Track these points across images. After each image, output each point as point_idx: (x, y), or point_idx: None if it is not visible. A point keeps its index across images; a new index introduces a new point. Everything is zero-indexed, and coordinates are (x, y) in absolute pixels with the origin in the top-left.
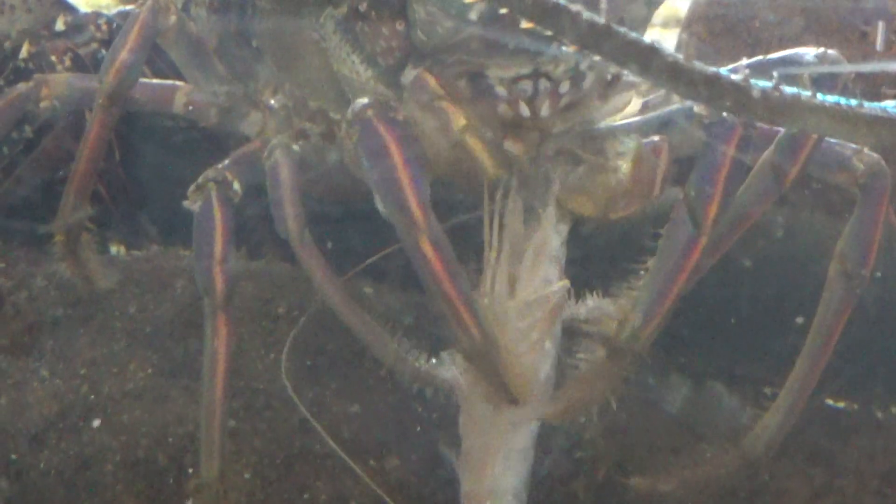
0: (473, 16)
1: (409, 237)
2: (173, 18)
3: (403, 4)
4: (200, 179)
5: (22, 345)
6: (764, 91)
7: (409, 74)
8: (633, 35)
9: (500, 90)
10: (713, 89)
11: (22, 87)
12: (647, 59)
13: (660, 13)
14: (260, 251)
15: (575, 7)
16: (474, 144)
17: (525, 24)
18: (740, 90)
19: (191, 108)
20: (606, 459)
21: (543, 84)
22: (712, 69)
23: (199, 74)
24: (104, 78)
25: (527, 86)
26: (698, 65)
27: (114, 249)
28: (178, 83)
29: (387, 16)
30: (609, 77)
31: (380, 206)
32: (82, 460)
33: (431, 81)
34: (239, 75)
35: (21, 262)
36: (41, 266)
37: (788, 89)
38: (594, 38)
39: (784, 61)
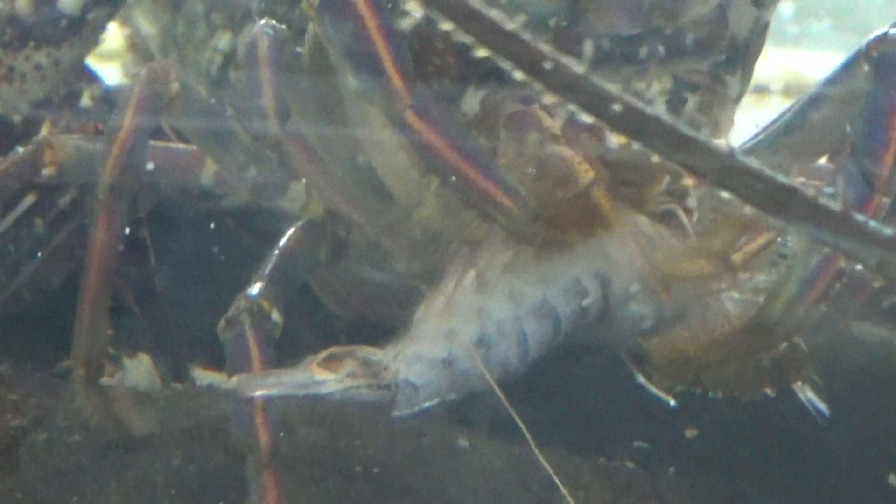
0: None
1: (393, 113)
2: (176, 86)
3: None
4: (231, 311)
5: (39, 501)
6: None
7: (471, 100)
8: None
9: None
10: None
11: (20, 152)
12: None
13: (778, 76)
14: None
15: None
16: (602, 201)
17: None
18: None
19: (221, 178)
20: None
21: None
22: None
23: (218, 149)
24: (102, 170)
25: None
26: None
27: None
28: None
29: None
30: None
31: (353, 83)
32: None
33: (544, 118)
34: (273, 144)
35: (36, 392)
36: (62, 399)
37: None
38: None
39: None
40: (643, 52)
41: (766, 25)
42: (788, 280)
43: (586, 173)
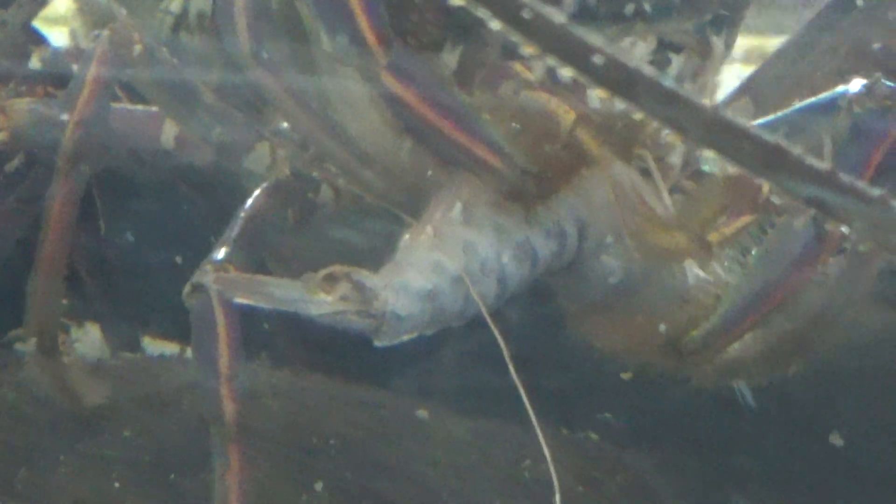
0: None
1: (370, 73)
2: (138, 49)
3: None
4: (196, 276)
5: None
6: None
7: (450, 55)
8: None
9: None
10: None
11: None
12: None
13: (742, 45)
14: (286, 358)
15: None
16: (591, 141)
17: None
18: None
19: (184, 142)
20: None
21: None
22: None
23: (182, 110)
24: (62, 136)
25: None
26: None
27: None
28: None
29: None
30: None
31: (327, 43)
32: None
33: (521, 70)
34: (240, 104)
35: None
36: (10, 372)
37: None
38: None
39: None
40: (629, 9)
41: None
42: (714, 312)
43: (567, 114)
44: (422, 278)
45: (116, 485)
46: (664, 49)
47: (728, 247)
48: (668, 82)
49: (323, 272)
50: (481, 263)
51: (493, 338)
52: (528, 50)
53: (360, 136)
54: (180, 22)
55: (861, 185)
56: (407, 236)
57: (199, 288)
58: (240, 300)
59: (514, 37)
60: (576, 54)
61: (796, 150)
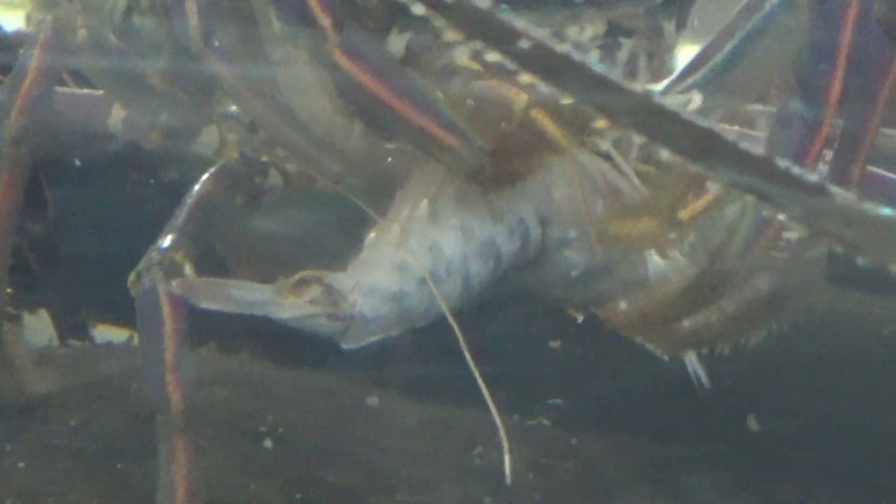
0: None
1: (322, 55)
2: (83, 33)
3: None
4: (142, 264)
5: None
6: None
7: (397, 41)
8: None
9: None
10: None
11: None
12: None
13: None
14: (235, 346)
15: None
16: (544, 120)
17: None
18: None
19: (131, 124)
20: None
21: None
22: None
23: (129, 94)
24: (6, 121)
25: None
26: None
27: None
28: None
29: None
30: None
31: (277, 24)
32: None
33: (463, 59)
34: (187, 87)
35: None
36: None
37: None
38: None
39: None
40: None
41: None
42: (739, 225)
43: (518, 96)
44: (388, 279)
45: (63, 474)
46: (615, 34)
47: (700, 221)
48: (597, 67)
49: (295, 277)
50: (447, 265)
51: (443, 327)
52: (452, 35)
53: (311, 119)
54: (132, 6)
55: (797, 171)
56: (373, 234)
57: (144, 276)
58: (205, 305)
59: (438, 22)
60: (501, 39)
61: (730, 135)
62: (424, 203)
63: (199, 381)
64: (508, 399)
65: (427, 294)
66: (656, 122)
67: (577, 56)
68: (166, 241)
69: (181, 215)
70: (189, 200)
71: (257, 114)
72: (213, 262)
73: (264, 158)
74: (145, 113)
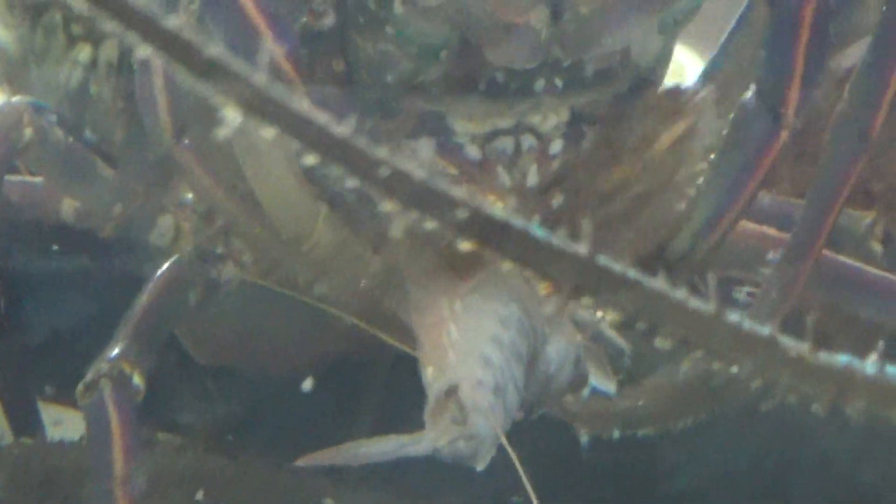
0: (442, 55)
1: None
2: (29, 132)
3: (342, 40)
4: (90, 375)
5: None
6: None
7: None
8: None
9: (472, 150)
10: None
11: None
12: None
13: None
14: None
15: None
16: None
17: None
18: None
19: (84, 215)
20: None
21: (528, 141)
22: None
23: (79, 187)
24: None
25: (506, 144)
26: None
27: None
28: None
29: (321, 53)
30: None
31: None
32: None
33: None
34: (141, 173)
35: None
36: None
37: None
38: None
39: None
40: (539, 84)
41: (670, 52)
42: (696, 207)
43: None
44: (486, 375)
45: None
46: (578, 122)
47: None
48: (530, 228)
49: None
50: (500, 373)
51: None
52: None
53: (274, 202)
54: (89, 74)
55: (749, 325)
56: (429, 370)
57: (91, 387)
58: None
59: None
60: (436, 210)
61: (676, 294)
62: (458, 303)
63: (149, 493)
64: None
65: (512, 385)
66: (601, 285)
67: (506, 215)
68: (115, 350)
69: (130, 321)
70: (139, 305)
71: (223, 207)
72: (174, 350)
73: (220, 250)
74: (97, 205)
